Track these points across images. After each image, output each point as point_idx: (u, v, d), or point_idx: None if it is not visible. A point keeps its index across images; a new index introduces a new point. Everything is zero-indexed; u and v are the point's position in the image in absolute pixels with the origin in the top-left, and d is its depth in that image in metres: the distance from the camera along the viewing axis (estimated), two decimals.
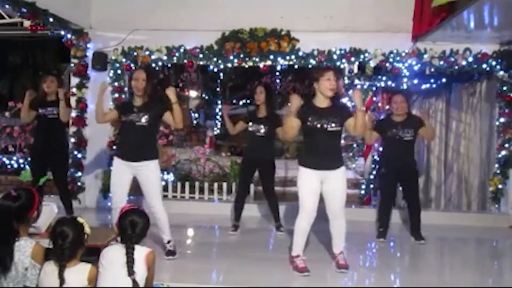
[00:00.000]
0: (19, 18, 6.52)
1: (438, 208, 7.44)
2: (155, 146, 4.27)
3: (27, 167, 7.65)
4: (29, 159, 5.23)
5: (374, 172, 7.38)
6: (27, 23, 6.72)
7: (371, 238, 5.04)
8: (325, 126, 3.78)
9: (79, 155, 6.15)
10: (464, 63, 5.92)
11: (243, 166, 5.41)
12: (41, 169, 4.92)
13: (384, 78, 7.42)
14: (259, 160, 5.14)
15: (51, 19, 5.52)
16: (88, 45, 6.21)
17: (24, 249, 2.70)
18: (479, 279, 4.01)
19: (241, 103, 17.87)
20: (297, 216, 3.92)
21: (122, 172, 4.10)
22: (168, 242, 4.19)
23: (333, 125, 3.78)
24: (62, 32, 6.07)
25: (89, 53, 6.21)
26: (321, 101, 3.85)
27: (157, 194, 4.14)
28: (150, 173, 4.09)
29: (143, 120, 4.05)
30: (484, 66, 5.95)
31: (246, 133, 5.26)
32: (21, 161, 8.30)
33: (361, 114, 3.78)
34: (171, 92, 4.06)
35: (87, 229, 2.71)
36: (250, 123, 5.13)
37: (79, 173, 6.17)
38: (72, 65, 6.27)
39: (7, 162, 8.32)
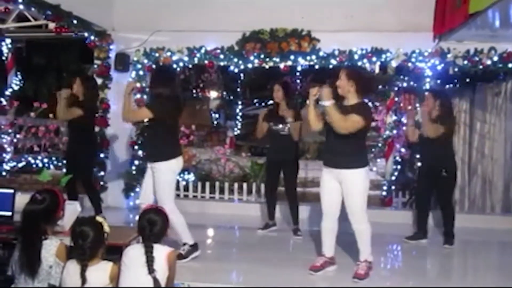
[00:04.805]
0: (44, 20, 6.66)
1: (462, 210, 7.30)
2: (165, 147, 4.00)
3: (51, 166, 7.81)
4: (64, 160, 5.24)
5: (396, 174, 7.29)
6: (52, 25, 6.85)
7: (392, 239, 4.98)
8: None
9: (102, 155, 6.21)
10: (489, 62, 5.79)
11: (267, 167, 5.33)
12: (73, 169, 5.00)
13: (406, 78, 7.32)
14: (283, 160, 5.06)
15: (75, 21, 5.63)
16: (111, 47, 6.30)
17: (49, 247, 2.76)
18: (503, 282, 3.92)
19: (262, 103, 17.91)
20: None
21: (149, 172, 4.10)
22: (184, 244, 4.05)
23: None
24: (86, 34, 6.17)
25: (112, 54, 6.31)
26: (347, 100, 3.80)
27: (165, 196, 3.96)
28: (160, 174, 3.98)
29: (146, 120, 4.07)
30: (510, 65, 5.81)
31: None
32: (45, 160, 8.47)
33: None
34: None
35: (106, 228, 2.75)
36: (271, 123, 5.06)
37: (102, 173, 6.25)
38: (95, 66, 6.37)
39: (32, 161, 8.49)
